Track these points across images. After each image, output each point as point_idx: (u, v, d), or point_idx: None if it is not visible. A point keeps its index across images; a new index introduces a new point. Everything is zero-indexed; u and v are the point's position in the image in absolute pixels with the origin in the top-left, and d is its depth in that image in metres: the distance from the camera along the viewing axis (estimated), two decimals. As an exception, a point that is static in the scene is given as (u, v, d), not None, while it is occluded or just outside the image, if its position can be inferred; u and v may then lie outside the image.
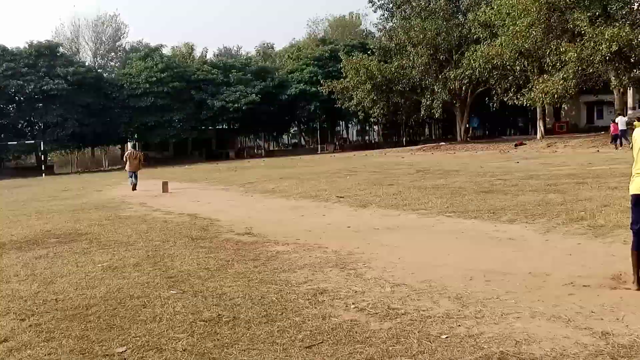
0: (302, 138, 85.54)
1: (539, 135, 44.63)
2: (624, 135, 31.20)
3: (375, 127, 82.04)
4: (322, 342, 4.72)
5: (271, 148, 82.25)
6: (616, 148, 31.59)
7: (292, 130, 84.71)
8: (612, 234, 8.54)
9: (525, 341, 4.51)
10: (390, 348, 4.50)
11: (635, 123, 30.23)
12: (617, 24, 32.33)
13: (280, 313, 5.53)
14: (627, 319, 4.94)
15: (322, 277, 6.96)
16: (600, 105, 61.44)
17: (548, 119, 60.88)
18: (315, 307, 5.67)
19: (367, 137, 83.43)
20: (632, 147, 6.20)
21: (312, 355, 4.45)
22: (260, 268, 7.57)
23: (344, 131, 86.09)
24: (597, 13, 34.28)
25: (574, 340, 4.48)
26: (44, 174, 50.87)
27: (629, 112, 34.59)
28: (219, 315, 5.55)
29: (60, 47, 65.27)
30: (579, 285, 6.10)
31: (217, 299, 6.11)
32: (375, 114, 55.26)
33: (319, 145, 71.99)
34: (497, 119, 72.75)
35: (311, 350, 4.54)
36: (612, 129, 33.80)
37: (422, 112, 52.02)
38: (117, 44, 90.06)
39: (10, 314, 5.97)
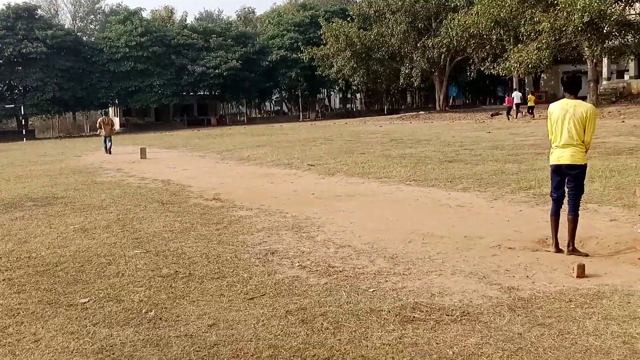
0: (284, 105, 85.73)
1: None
2: (518, 108, 38.51)
3: (358, 96, 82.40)
4: (264, 294, 5.33)
5: (253, 115, 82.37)
6: (509, 119, 37.60)
7: (274, 98, 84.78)
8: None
9: (439, 294, 5.16)
10: (322, 299, 5.12)
11: (530, 97, 39.15)
12: (590, -6, 32.76)
13: (231, 270, 6.14)
14: (536, 277, 5.59)
15: (277, 239, 7.56)
16: (579, 75, 61.99)
17: (527, 89, 61.53)
18: (264, 266, 6.28)
19: (349, 106, 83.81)
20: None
21: (252, 305, 5.06)
22: (221, 231, 8.16)
23: (326, 99, 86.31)
24: (570, -18, 34.64)
25: (481, 294, 5.13)
26: (24, 139, 50.90)
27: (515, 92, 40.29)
28: (176, 272, 6.15)
29: (39, 9, 64.63)
30: (505, 247, 6.75)
31: (177, 258, 6.70)
32: (356, 81, 55.67)
33: (300, 113, 72.28)
34: (477, 88, 73.40)
35: (252, 301, 5.15)
36: (507, 101, 40.06)
37: (401, 81, 52.46)
38: (96, 6, 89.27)
39: (-15, 271, 6.51)
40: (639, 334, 4.15)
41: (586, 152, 6.53)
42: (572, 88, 6.58)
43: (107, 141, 26.17)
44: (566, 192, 6.63)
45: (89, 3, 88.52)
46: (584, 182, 6.62)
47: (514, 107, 38.49)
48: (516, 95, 39.05)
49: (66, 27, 70.81)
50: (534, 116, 36.53)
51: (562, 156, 6.53)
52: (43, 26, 58.46)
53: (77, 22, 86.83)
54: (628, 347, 3.96)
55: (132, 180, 15.12)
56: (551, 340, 4.09)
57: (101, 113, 64.04)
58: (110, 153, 25.60)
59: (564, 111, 6.48)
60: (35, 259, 6.92)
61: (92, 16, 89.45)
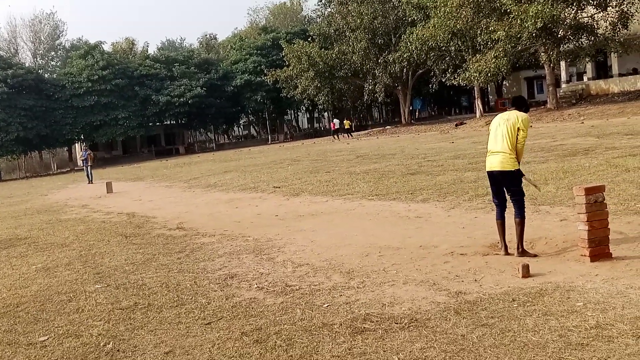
0: (252, 129, 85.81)
1: (477, 113, 46.03)
2: (337, 132, 49.43)
3: (326, 114, 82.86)
4: (220, 318, 5.44)
5: (222, 141, 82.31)
6: (333, 140, 46.43)
7: (242, 122, 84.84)
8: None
9: (390, 304, 5.31)
10: (278, 318, 5.25)
11: (345, 122, 51.57)
12: (541, 1, 33.51)
13: (190, 297, 6.23)
14: (483, 280, 5.79)
15: (237, 263, 7.68)
16: (540, 80, 63.03)
17: (491, 96, 62.57)
18: (222, 290, 6.39)
19: (317, 125, 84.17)
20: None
21: (209, 329, 5.17)
22: (183, 259, 8.25)
23: (294, 120, 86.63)
24: (521, -10, 35.41)
25: (430, 300, 5.30)
26: (-11, 181, 50.28)
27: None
28: (136, 303, 6.22)
29: (-2, 50, 64.21)
30: (457, 254, 6.95)
31: (137, 289, 6.78)
32: (321, 101, 56.06)
33: (269, 136, 72.43)
34: (441, 99, 74.25)
35: (209, 326, 5.25)
36: (332, 126, 51.29)
37: (366, 97, 53.01)
38: (57, 42, 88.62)
39: (-54, 317, 6.52)
40: (575, 326, 4.35)
41: (518, 158, 6.73)
42: (518, 105, 6.83)
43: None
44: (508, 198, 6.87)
45: (49, 40, 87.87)
46: (522, 186, 6.85)
47: (335, 131, 49.43)
48: (336, 122, 50.53)
49: (27, 65, 70.26)
50: (352, 136, 48.67)
51: (492, 163, 6.79)
52: (3, 66, 57.87)
53: (38, 59, 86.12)
54: (564, 340, 4.15)
55: (97, 215, 15.10)
56: (492, 339, 4.27)
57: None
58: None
59: (501, 120, 6.74)
60: (-5, 301, 6.95)
61: (52, 53, 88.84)
